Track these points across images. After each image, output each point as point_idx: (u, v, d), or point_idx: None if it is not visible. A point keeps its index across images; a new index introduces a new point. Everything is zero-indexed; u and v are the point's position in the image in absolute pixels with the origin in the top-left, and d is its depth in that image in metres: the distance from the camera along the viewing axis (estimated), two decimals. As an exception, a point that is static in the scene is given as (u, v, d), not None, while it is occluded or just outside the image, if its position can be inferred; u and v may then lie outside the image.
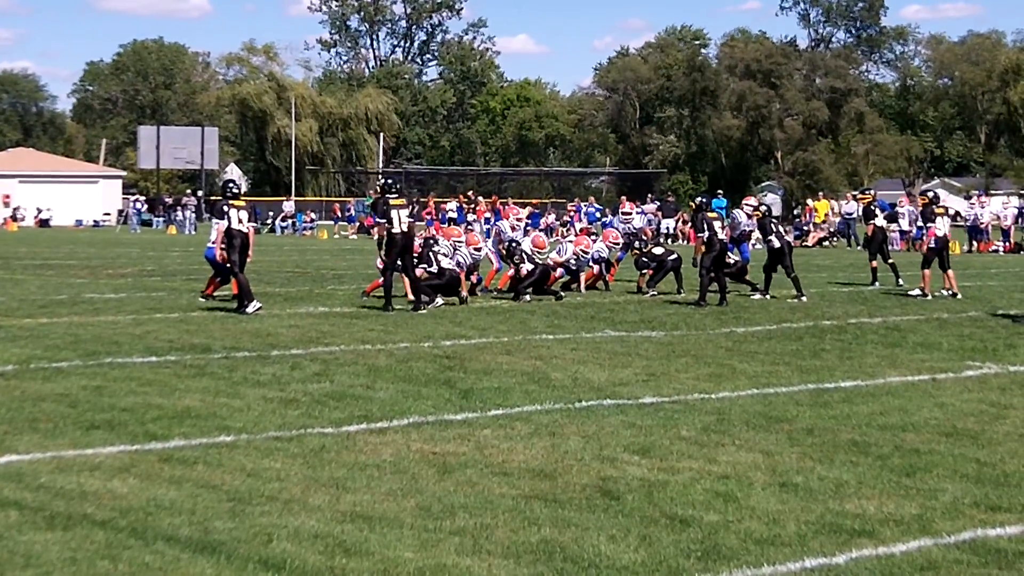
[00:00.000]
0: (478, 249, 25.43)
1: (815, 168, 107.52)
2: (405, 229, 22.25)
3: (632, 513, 8.62)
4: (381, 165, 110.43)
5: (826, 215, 62.06)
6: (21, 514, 8.39)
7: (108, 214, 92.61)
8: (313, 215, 79.61)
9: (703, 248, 24.52)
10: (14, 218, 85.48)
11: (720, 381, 14.54)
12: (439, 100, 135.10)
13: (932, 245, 26.27)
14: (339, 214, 75.32)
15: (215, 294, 24.00)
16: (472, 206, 57.67)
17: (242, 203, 22.14)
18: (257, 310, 21.51)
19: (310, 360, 15.85)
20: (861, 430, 11.61)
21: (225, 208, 21.87)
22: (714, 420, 12.02)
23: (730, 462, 10.18)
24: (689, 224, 26.90)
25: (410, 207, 22.62)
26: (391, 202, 22.29)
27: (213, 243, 22.84)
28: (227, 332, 18.90)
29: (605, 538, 8.02)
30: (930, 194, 28.13)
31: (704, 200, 26.17)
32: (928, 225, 26.64)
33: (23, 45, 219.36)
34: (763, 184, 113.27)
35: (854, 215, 58.09)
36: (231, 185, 22.45)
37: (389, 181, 23.18)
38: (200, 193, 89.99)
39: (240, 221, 21.84)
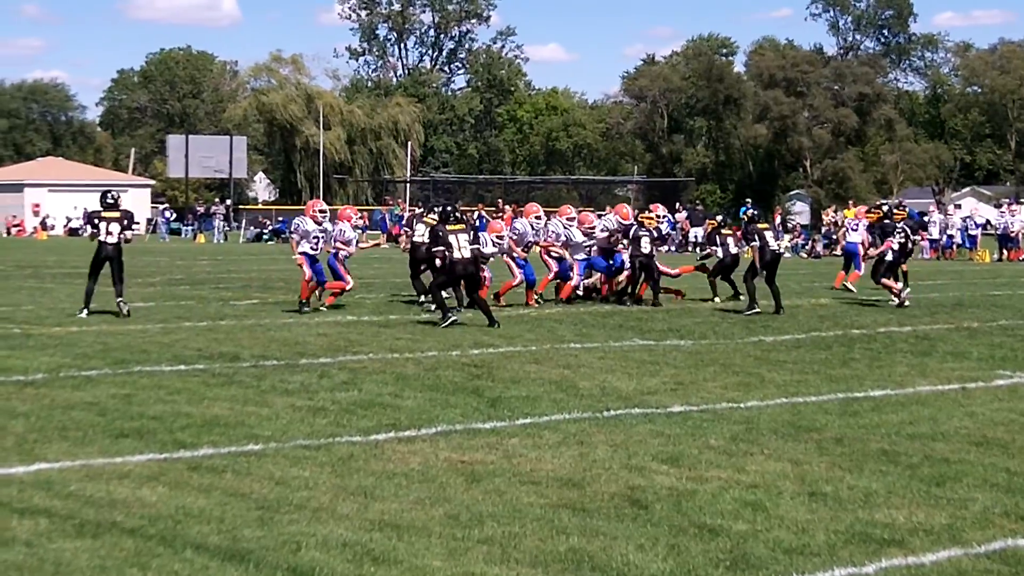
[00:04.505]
0: (500, 237, 25.16)
1: (844, 176, 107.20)
2: (467, 255, 21.73)
3: (660, 522, 8.60)
4: (409, 174, 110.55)
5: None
6: (51, 522, 8.41)
7: (137, 223, 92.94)
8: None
9: (757, 258, 24.33)
10: (43, 226, 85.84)
11: (749, 390, 14.51)
12: (466, 108, 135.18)
13: (890, 258, 26.20)
14: (367, 223, 75.39)
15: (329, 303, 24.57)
16: (500, 214, 58.31)
17: (461, 227, 22.31)
18: (451, 322, 21.35)
19: (338, 369, 15.87)
20: (890, 439, 11.57)
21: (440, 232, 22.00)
22: (742, 429, 12.00)
23: (759, 471, 10.16)
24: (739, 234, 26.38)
25: (469, 230, 22.53)
26: (449, 228, 21.83)
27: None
28: (255, 341, 18.95)
29: (633, 547, 8.00)
30: (885, 207, 27.98)
31: (755, 212, 26.09)
32: (886, 238, 26.41)
33: (54, 54, 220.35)
34: (791, 192, 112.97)
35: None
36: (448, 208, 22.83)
37: (448, 208, 22.65)
38: (228, 202, 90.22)
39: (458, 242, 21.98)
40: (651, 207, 27.85)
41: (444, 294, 22.15)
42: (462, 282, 22.52)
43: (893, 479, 9.95)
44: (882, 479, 9.95)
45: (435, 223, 22.84)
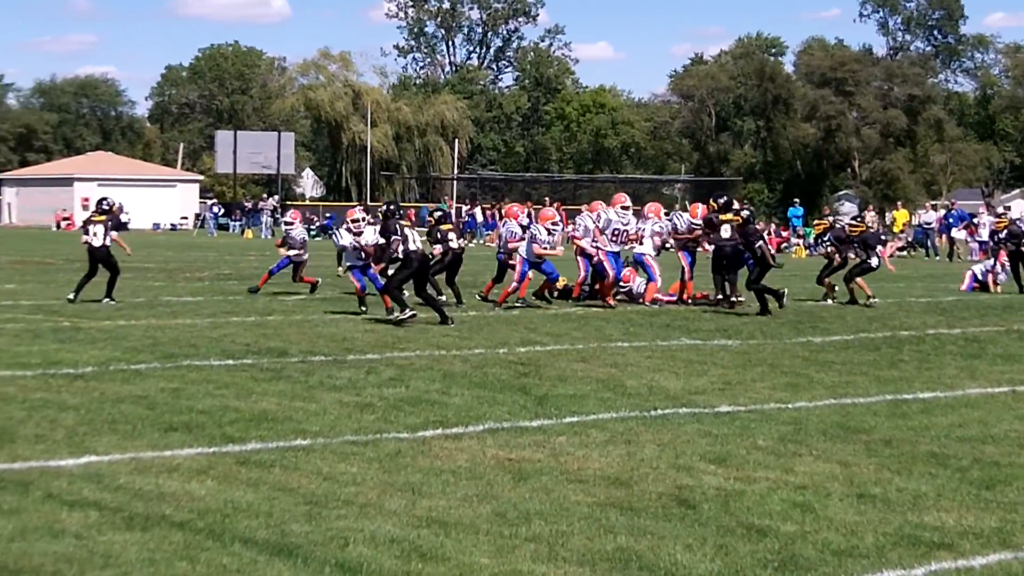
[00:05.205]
0: (555, 224, 25.03)
1: (893, 177, 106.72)
2: (421, 247, 21.80)
3: (708, 522, 8.58)
4: (456, 171, 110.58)
5: (904, 225, 61.64)
6: (100, 514, 8.46)
7: (185, 218, 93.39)
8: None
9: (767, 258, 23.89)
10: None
11: (797, 391, 14.47)
12: (514, 106, 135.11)
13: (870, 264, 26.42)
14: (414, 220, 75.48)
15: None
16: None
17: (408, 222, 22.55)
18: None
19: (385, 365, 15.90)
20: (940, 442, 11.51)
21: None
22: (791, 430, 11.96)
23: (807, 472, 10.12)
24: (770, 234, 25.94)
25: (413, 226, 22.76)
26: (401, 222, 21.94)
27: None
28: (303, 336, 19.01)
29: (681, 547, 7.99)
30: (830, 218, 27.61)
31: (751, 211, 25.47)
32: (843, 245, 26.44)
33: (105, 50, 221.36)
34: (840, 193, 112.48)
35: (932, 225, 57.65)
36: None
37: (393, 206, 22.63)
38: (276, 197, 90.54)
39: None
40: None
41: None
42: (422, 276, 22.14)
43: (942, 482, 9.91)
44: (931, 481, 9.90)
45: (385, 218, 22.58)
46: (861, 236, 26.82)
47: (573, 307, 24.90)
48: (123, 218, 53.26)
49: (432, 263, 23.74)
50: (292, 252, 27.07)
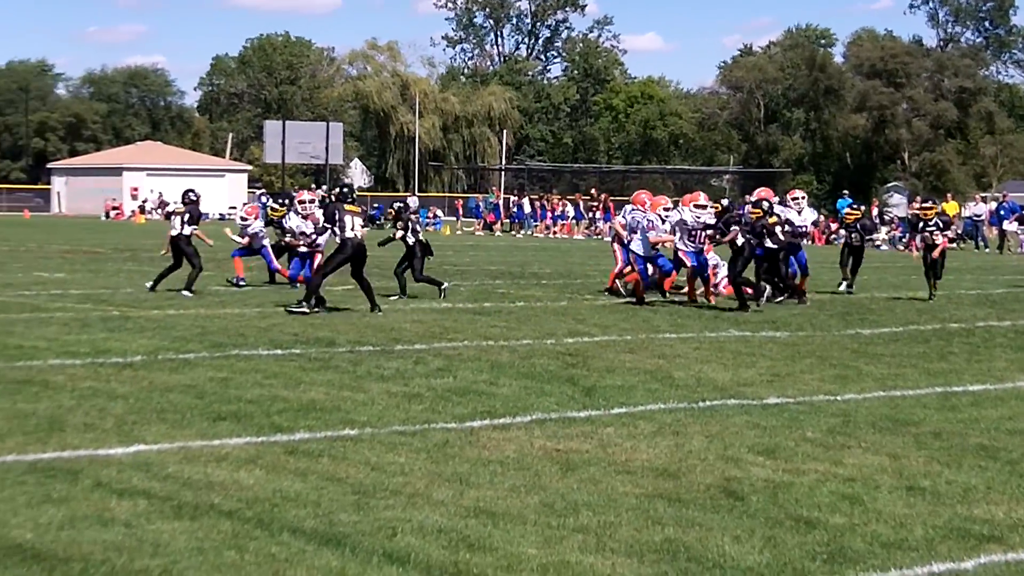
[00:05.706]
0: (667, 209, 24.54)
1: (942, 169, 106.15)
2: (359, 236, 21.43)
3: (757, 514, 8.55)
4: (503, 162, 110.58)
5: (954, 217, 61.30)
6: (149, 503, 8.49)
7: (234, 208, 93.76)
8: (437, 211, 79.90)
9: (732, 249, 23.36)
10: (142, 210, 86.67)
11: (846, 383, 14.40)
12: (562, 97, 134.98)
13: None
14: (461, 210, 75.57)
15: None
16: (595, 203, 59.59)
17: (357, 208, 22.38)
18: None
19: (433, 355, 15.91)
20: (990, 434, 11.45)
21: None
22: (839, 422, 11.91)
23: (856, 464, 10.07)
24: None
25: (364, 215, 22.67)
26: (345, 208, 21.53)
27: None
28: (351, 326, 19.04)
29: (729, 539, 7.96)
30: (724, 202, 25.90)
31: (730, 202, 24.73)
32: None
33: (155, 40, 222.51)
34: (889, 184, 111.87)
35: (982, 216, 57.31)
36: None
37: (346, 189, 22.45)
38: (324, 187, 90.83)
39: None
40: (789, 192, 27.00)
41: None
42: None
43: (992, 474, 9.85)
44: (981, 474, 9.84)
45: (331, 201, 22.44)
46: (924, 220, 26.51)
47: (621, 299, 24.79)
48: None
49: (404, 255, 24.56)
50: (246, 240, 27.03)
